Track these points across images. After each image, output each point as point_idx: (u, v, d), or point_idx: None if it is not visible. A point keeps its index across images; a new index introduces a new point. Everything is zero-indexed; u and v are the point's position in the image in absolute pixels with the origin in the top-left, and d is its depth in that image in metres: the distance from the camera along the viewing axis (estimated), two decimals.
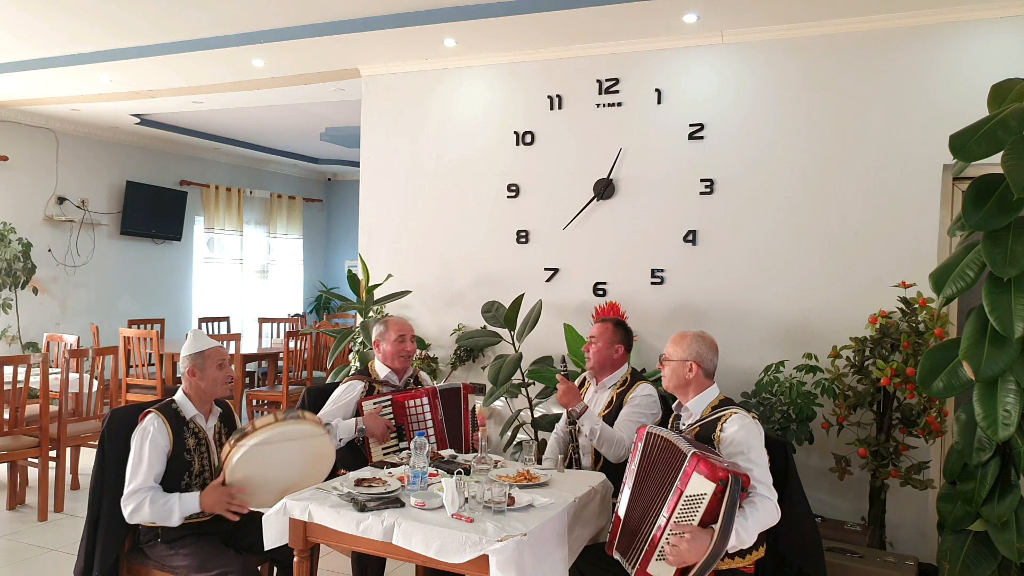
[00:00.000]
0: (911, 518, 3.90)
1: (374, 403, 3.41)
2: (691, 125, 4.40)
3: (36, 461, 4.71)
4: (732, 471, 2.36)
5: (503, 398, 4.44)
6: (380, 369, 3.59)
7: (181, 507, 2.76)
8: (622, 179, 4.59)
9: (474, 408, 3.60)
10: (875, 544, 3.63)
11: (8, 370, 4.48)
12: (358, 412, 3.43)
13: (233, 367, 6.35)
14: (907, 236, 3.94)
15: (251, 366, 7.57)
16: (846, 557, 3.33)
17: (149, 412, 2.84)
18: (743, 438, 2.54)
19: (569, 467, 3.32)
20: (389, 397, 3.44)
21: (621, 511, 2.64)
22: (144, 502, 2.73)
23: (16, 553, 4.07)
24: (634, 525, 2.57)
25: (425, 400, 3.43)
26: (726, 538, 2.31)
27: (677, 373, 2.77)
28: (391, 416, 3.41)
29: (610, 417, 3.30)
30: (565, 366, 3.44)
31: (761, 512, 2.43)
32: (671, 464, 2.48)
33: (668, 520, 2.42)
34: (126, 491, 2.76)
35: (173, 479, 2.83)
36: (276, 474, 2.81)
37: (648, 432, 2.64)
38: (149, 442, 2.77)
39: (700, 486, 2.36)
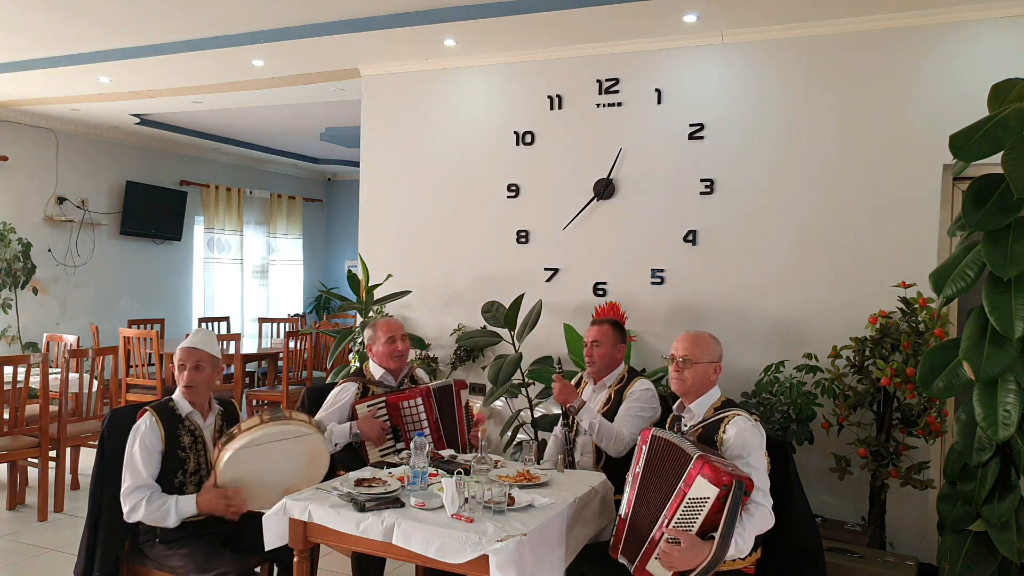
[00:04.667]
0: (911, 518, 3.90)
1: (368, 405, 3.39)
2: (691, 125, 4.40)
3: (36, 461, 4.71)
4: (736, 475, 2.36)
5: (503, 398, 4.44)
6: (375, 370, 3.57)
7: (177, 510, 2.75)
8: (622, 179, 4.59)
9: (467, 404, 3.59)
10: (875, 544, 3.63)
11: (8, 370, 4.48)
12: (353, 415, 3.42)
13: (233, 368, 6.37)
14: (907, 236, 3.94)
15: (251, 366, 7.57)
16: (846, 557, 3.32)
17: (144, 411, 2.85)
18: (745, 441, 2.54)
19: (569, 468, 3.32)
20: (383, 398, 3.42)
21: (625, 514, 2.64)
22: (140, 503, 2.73)
23: (16, 553, 4.07)
24: (638, 527, 2.57)
25: (419, 400, 3.40)
26: (726, 545, 2.32)
27: (703, 375, 2.73)
28: (386, 418, 3.39)
29: (609, 414, 3.30)
30: (560, 366, 3.45)
31: (756, 519, 2.45)
32: (675, 465, 2.49)
33: (669, 520, 2.44)
34: (123, 489, 2.76)
35: (167, 477, 2.82)
36: (269, 477, 2.78)
37: (653, 435, 2.64)
38: (138, 442, 2.78)
39: (704, 490, 2.37)
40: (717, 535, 2.32)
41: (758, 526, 2.45)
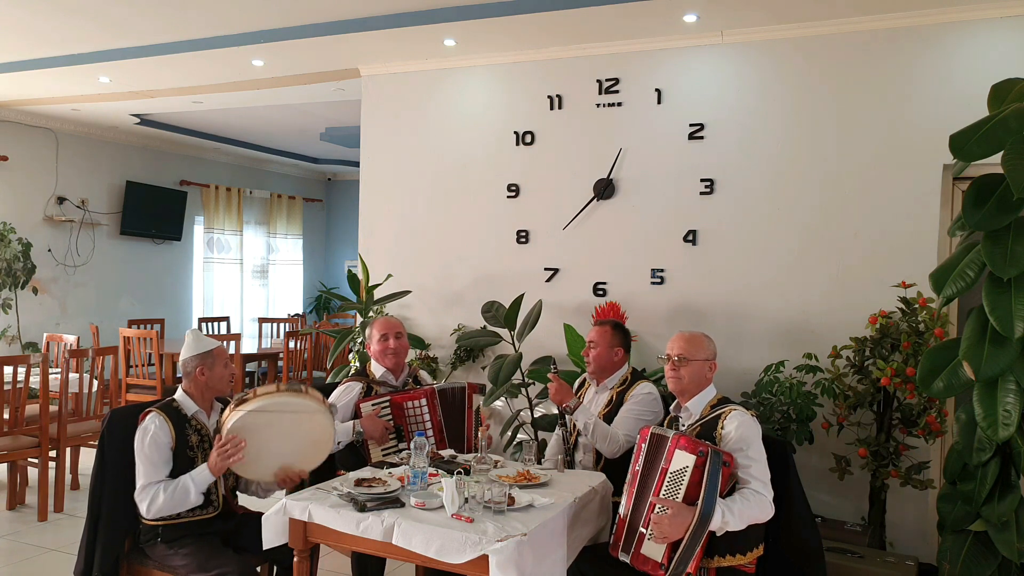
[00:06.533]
0: (911, 518, 3.90)
1: (372, 404, 3.41)
2: (691, 125, 4.40)
3: (36, 461, 4.71)
4: (713, 447, 2.45)
5: (503, 398, 4.44)
6: (376, 369, 3.59)
7: (195, 483, 2.77)
8: (622, 179, 4.59)
9: (478, 408, 3.60)
10: (875, 544, 3.63)
11: (8, 370, 4.48)
12: (357, 413, 3.43)
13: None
14: (907, 236, 3.94)
15: (251, 366, 7.57)
16: (846, 557, 3.33)
17: (149, 411, 2.85)
18: (743, 435, 2.58)
19: (569, 468, 3.32)
20: (387, 398, 3.44)
21: (625, 511, 2.65)
22: (158, 492, 2.74)
23: (16, 553, 4.07)
24: (636, 520, 2.60)
25: (423, 401, 3.43)
26: (710, 509, 2.38)
27: (699, 373, 2.79)
28: (390, 417, 3.41)
29: (609, 416, 3.29)
30: (555, 366, 3.46)
31: (752, 504, 2.47)
32: (660, 452, 2.58)
33: (655, 497, 2.50)
34: (137, 488, 2.78)
35: (176, 476, 2.82)
36: (271, 446, 2.79)
37: (651, 432, 2.67)
38: (150, 441, 2.78)
39: (682, 460, 2.47)
40: (700, 498, 2.38)
41: (754, 511, 2.47)
